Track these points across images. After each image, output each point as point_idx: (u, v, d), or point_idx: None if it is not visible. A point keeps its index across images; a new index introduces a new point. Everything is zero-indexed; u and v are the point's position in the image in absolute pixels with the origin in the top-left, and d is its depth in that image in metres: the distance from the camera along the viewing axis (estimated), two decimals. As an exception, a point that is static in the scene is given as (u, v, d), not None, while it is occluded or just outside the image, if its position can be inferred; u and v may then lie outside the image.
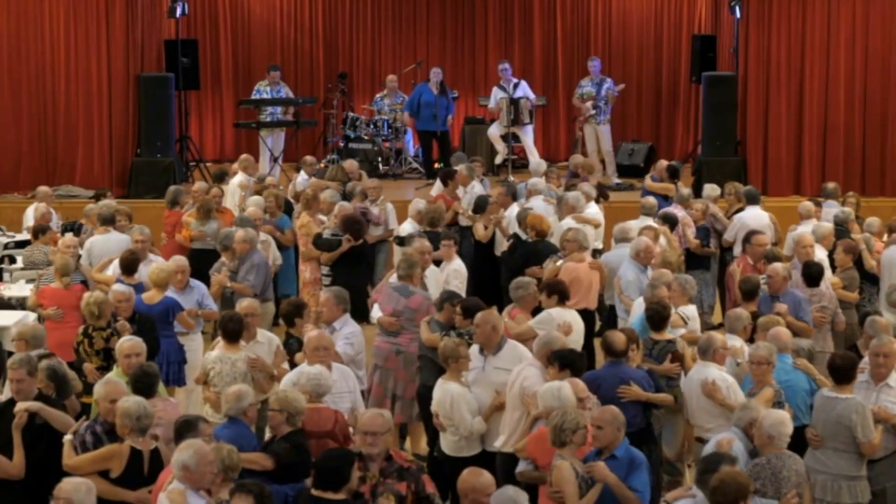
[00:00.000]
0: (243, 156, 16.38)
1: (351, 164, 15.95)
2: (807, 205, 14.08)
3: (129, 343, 8.90)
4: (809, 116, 18.19)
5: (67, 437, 7.70)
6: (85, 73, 18.09)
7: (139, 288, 11.04)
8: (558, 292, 10.28)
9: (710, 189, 14.84)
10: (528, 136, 18.82)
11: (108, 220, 13.14)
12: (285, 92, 19.08)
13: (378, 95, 19.98)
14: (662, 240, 12.87)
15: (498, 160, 19.07)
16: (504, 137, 18.61)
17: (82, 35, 18.08)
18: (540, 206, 13.96)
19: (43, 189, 15.43)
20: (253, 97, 19.00)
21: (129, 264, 11.50)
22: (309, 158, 16.44)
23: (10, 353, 10.70)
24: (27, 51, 18.05)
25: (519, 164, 19.16)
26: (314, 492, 6.94)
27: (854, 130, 18.20)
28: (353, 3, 21.83)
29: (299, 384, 8.23)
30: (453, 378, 8.76)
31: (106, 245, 12.75)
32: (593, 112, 18.82)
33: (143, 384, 8.18)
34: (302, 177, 15.92)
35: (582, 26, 21.80)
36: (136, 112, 18.19)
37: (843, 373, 8.52)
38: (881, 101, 18.14)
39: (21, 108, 18.15)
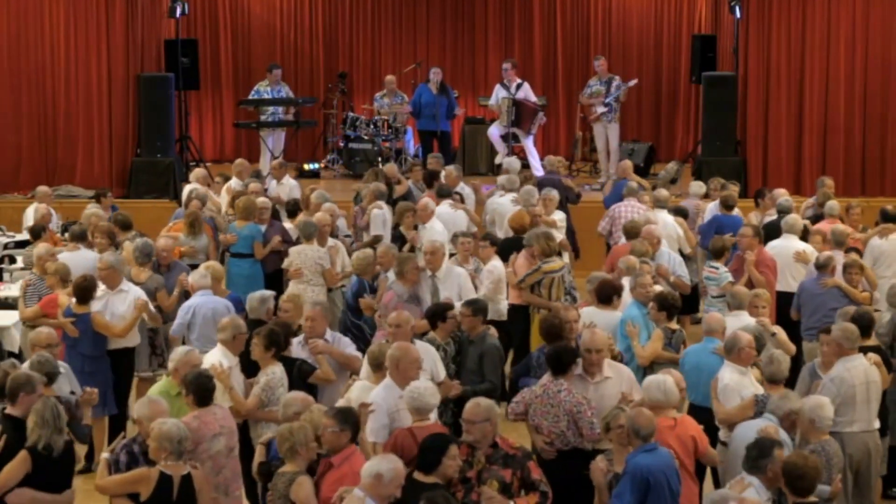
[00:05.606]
0: (238, 160, 16.06)
1: (391, 168, 15.32)
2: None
3: None
4: (809, 116, 18.18)
5: (104, 455, 7.54)
6: (85, 73, 18.09)
7: (84, 319, 10.23)
8: (597, 294, 10.41)
9: (697, 187, 15.28)
10: (528, 139, 18.81)
11: (79, 237, 12.06)
12: (286, 91, 19.01)
13: (378, 95, 19.95)
14: (680, 231, 13.29)
15: (498, 160, 19.04)
16: (504, 137, 18.61)
17: (82, 35, 18.08)
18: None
19: (43, 189, 15.38)
20: (252, 97, 18.96)
21: (82, 292, 10.29)
22: (241, 162, 15.87)
23: (11, 354, 10.72)
24: (27, 51, 18.04)
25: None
26: (415, 474, 7.08)
27: (854, 130, 18.20)
28: (353, 3, 21.84)
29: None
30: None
31: (71, 264, 11.22)
32: (603, 110, 18.75)
33: (205, 391, 7.87)
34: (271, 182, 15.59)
35: (582, 26, 21.81)
36: (136, 112, 18.18)
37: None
38: (881, 101, 18.15)
39: (21, 109, 18.16)
